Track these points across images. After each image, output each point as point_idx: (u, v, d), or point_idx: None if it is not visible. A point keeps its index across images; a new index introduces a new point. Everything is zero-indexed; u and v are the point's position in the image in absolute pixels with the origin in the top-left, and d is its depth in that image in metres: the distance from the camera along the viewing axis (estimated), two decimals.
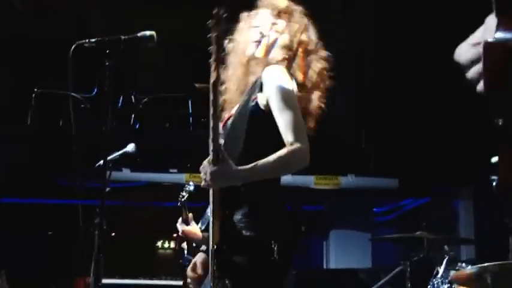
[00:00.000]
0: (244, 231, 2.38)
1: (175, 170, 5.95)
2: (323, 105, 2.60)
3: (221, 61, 2.25)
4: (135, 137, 3.39)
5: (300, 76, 2.52)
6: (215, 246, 2.34)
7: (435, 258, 4.11)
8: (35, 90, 6.25)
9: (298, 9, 2.65)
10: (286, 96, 2.39)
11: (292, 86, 2.46)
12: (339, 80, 8.31)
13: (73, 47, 2.45)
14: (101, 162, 3.27)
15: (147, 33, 2.50)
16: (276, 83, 2.40)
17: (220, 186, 2.35)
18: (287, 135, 2.36)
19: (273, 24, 2.58)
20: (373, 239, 6.65)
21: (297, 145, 2.34)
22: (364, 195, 6.96)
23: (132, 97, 6.81)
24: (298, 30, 2.58)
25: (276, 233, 2.39)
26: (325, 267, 7.18)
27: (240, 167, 2.32)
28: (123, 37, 2.49)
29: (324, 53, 2.65)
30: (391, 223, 7.87)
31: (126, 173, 6.05)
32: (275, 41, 2.57)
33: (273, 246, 2.35)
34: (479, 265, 3.03)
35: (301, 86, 2.51)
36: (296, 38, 2.57)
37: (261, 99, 2.41)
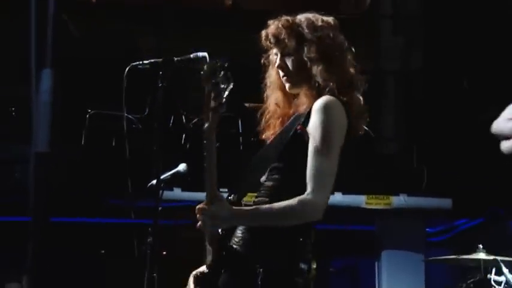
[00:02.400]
0: (236, 248, 2.28)
1: (226, 190, 5.95)
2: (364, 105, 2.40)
3: (215, 110, 2.20)
4: (186, 156, 3.40)
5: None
6: (199, 273, 2.33)
7: (493, 280, 3.99)
8: (89, 111, 6.38)
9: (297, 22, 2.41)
10: (326, 138, 2.23)
11: (341, 121, 2.29)
12: (389, 98, 8.23)
13: (127, 69, 2.47)
14: (153, 182, 3.30)
15: (200, 54, 2.50)
16: (321, 120, 2.24)
17: (212, 229, 2.27)
18: (308, 183, 2.21)
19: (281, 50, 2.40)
20: (427, 261, 6.50)
21: (311, 197, 2.19)
22: (417, 215, 6.84)
23: (183, 117, 6.87)
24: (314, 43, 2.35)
25: (266, 256, 2.22)
26: None
27: (237, 209, 2.23)
28: (176, 58, 2.50)
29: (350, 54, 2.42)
30: (444, 243, 7.71)
31: (177, 193, 6.09)
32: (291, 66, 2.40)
33: (257, 271, 2.20)
34: None
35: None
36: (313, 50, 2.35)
37: (307, 131, 2.28)
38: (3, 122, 6.72)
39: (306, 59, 2.37)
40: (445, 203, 6.63)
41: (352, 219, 7.04)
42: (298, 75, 2.41)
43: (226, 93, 2.19)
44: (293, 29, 2.41)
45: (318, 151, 2.22)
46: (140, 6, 8.22)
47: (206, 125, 2.23)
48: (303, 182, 2.22)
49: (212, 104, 2.19)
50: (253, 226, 2.27)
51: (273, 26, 2.44)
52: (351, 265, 7.95)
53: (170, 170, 3.30)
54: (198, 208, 2.26)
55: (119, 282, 6.58)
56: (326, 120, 2.24)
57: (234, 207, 2.26)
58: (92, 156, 6.24)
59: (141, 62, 2.41)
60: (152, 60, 2.43)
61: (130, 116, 5.83)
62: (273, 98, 2.51)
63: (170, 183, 3.10)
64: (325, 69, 2.34)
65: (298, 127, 2.31)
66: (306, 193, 2.20)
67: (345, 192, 6.48)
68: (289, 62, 2.42)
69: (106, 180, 6.04)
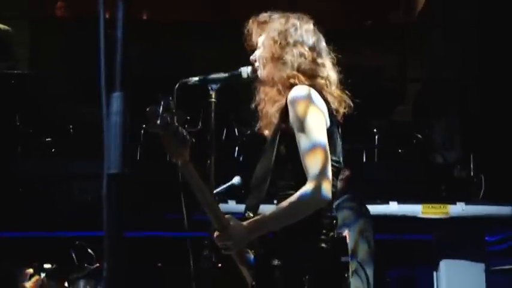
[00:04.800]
0: (275, 261, 2.28)
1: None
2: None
3: (181, 146, 2.17)
4: (239, 169, 3.43)
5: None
6: None
7: None
8: (143, 127, 6.48)
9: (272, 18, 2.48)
10: (306, 124, 2.25)
11: (315, 102, 2.29)
12: (444, 106, 8.08)
13: (177, 86, 2.51)
14: None
15: (248, 68, 2.54)
16: (296, 109, 2.27)
17: (236, 250, 2.32)
18: (306, 173, 2.24)
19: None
20: (490, 270, 6.36)
21: (311, 184, 2.20)
22: (475, 223, 6.70)
23: (236, 130, 6.91)
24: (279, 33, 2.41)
25: (308, 262, 2.24)
26: None
27: (248, 222, 2.27)
28: (224, 74, 2.54)
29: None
30: (505, 252, 7.53)
31: (232, 205, 6.13)
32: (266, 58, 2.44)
33: (303, 278, 2.21)
34: None
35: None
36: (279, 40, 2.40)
37: (289, 126, 2.31)
38: (62, 139, 6.90)
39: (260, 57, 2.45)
40: (505, 210, 6.49)
41: (409, 229, 6.95)
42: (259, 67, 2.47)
43: (178, 127, 2.18)
44: (262, 28, 2.48)
45: (303, 140, 2.25)
46: (194, 21, 8.34)
47: (179, 164, 2.22)
48: (305, 175, 2.25)
49: (174, 142, 2.18)
50: (284, 238, 2.29)
51: (251, 20, 2.52)
52: (408, 275, 7.84)
53: (224, 183, 3.32)
54: (215, 238, 2.30)
55: None
56: (300, 107, 2.27)
57: (245, 223, 2.29)
58: (146, 171, 6.33)
59: (190, 79, 2.45)
60: (201, 77, 2.47)
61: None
62: (261, 93, 2.53)
63: (225, 196, 3.12)
64: (271, 68, 2.40)
65: (282, 126, 2.33)
66: (307, 182, 2.22)
67: (400, 201, 6.41)
68: (256, 54, 2.50)
69: (161, 195, 6.12)
